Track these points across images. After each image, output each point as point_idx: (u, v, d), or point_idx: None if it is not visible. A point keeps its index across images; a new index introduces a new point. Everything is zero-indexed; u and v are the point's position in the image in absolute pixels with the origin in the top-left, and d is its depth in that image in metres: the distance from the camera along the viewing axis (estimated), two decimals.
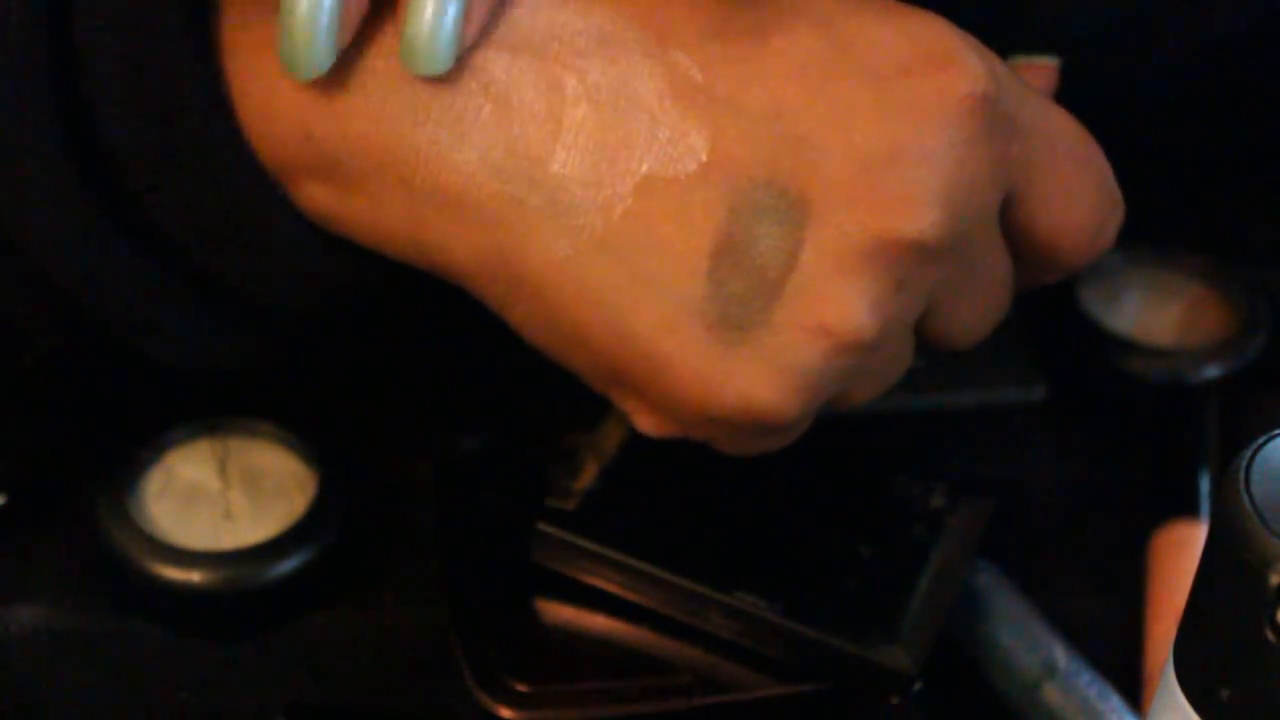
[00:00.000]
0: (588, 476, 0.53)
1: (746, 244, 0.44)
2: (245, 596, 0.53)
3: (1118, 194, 0.49)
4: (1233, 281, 0.65)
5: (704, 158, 0.44)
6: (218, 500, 0.56)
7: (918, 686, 0.50)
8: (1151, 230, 0.54)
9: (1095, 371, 0.63)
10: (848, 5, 0.45)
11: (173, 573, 0.53)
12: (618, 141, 0.44)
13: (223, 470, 0.56)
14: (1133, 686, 0.54)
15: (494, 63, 0.44)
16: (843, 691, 0.51)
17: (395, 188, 0.45)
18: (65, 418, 0.58)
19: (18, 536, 0.56)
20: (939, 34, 0.45)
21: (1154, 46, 0.62)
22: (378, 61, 0.45)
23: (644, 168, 0.44)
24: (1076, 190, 0.48)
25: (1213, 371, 0.62)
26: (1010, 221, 0.48)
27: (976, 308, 0.49)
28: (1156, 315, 0.65)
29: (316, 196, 0.47)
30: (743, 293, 0.45)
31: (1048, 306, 0.60)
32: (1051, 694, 0.53)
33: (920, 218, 0.44)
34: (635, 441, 0.54)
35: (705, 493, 0.54)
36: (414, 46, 0.43)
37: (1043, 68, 0.52)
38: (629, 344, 0.45)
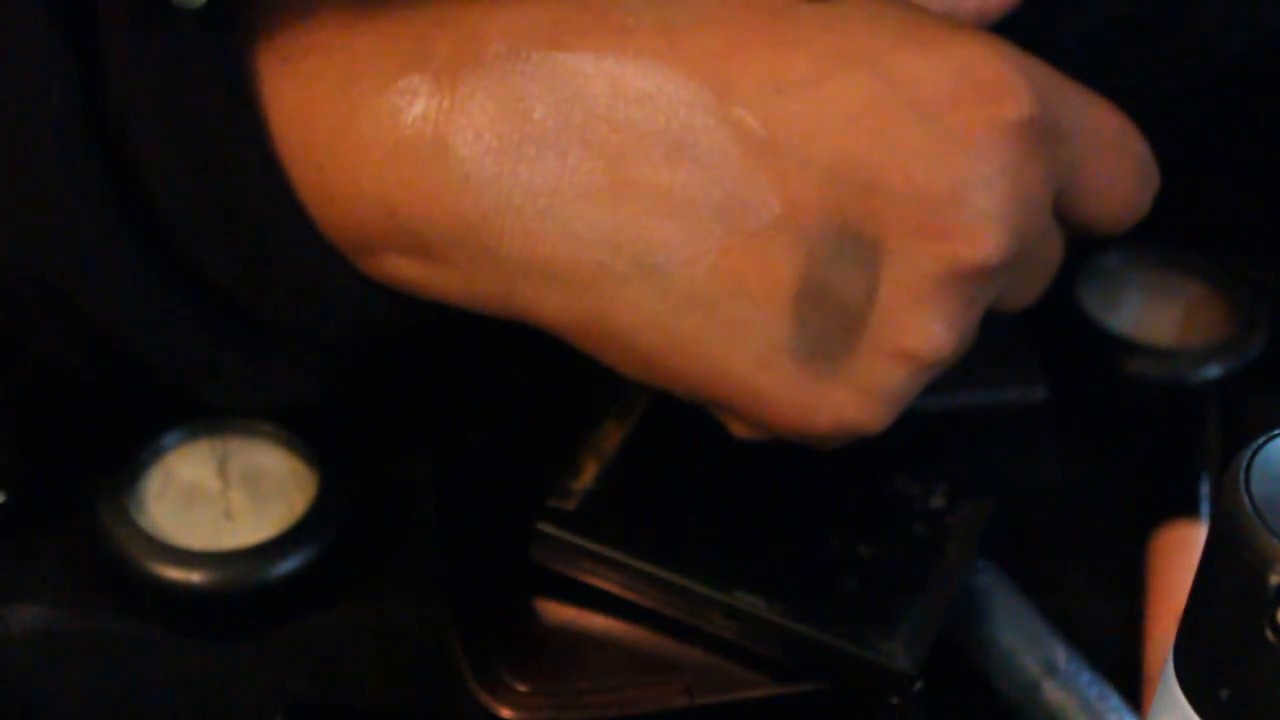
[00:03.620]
0: (588, 476, 0.53)
1: (826, 285, 0.47)
2: (245, 596, 0.53)
3: (1154, 168, 0.52)
4: (1233, 281, 0.65)
5: (777, 210, 0.46)
6: (218, 500, 0.56)
7: (918, 686, 0.50)
8: (1151, 230, 0.54)
9: (1095, 371, 0.63)
10: (894, 40, 0.47)
11: (173, 573, 0.53)
12: (694, 201, 0.46)
13: (223, 470, 0.56)
14: (1133, 686, 0.54)
15: (565, 135, 0.45)
16: (843, 691, 0.51)
17: (483, 259, 0.47)
18: (65, 418, 0.58)
19: (18, 536, 0.56)
20: (984, 59, 0.47)
21: (1154, 48, 0.62)
22: (457, 139, 0.45)
23: (722, 224, 0.46)
24: (1118, 175, 0.51)
25: (1213, 371, 0.62)
26: (1057, 209, 0.50)
27: (1033, 286, 0.52)
28: (1156, 315, 0.65)
29: (401, 267, 0.48)
30: (827, 328, 0.47)
31: (1048, 306, 0.60)
32: (1051, 694, 0.53)
33: (986, 243, 0.47)
34: (635, 441, 0.54)
35: (705, 492, 0.53)
36: None
37: None
38: (726, 382, 0.48)
